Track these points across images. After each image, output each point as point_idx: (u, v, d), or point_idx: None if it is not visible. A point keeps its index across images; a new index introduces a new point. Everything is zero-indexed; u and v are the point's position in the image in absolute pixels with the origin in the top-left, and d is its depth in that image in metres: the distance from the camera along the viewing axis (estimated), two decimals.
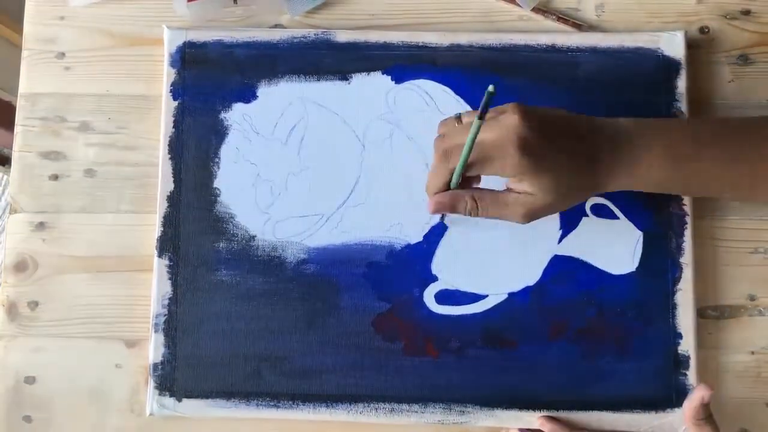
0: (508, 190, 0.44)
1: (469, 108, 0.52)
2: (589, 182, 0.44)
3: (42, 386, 0.51)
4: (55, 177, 0.54)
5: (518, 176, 0.42)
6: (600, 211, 0.51)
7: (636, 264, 0.50)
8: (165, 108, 0.52)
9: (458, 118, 0.45)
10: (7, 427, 0.51)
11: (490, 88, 0.38)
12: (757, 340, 0.51)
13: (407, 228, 0.51)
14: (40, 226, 0.53)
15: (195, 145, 0.52)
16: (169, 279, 0.50)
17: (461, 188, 0.44)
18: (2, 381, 0.51)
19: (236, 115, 0.52)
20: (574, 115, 0.44)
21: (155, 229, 0.52)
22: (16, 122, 0.55)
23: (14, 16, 0.93)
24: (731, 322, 0.51)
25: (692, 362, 0.49)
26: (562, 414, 0.49)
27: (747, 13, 0.54)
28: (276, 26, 0.55)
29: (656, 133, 0.44)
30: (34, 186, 0.54)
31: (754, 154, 0.44)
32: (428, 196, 0.45)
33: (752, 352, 0.50)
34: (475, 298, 0.50)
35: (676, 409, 0.48)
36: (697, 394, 0.45)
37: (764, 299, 0.51)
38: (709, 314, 0.50)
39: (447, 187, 0.44)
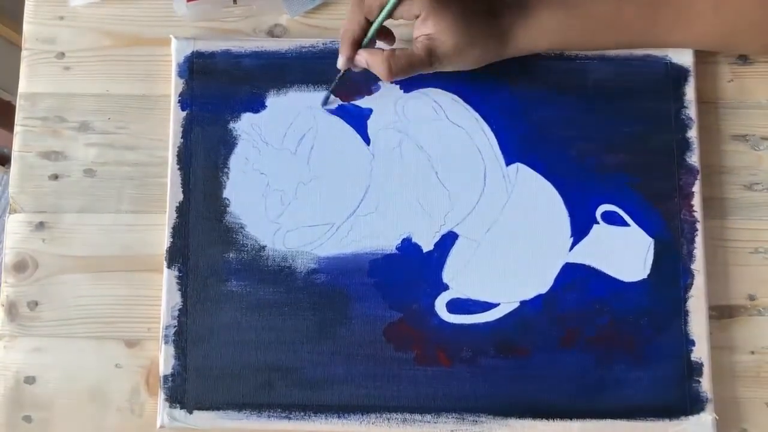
0: (415, 41, 0.47)
1: (477, 116, 0.52)
2: (492, 31, 0.47)
3: (42, 386, 0.51)
4: (55, 177, 0.53)
5: (423, 14, 0.45)
6: (611, 219, 0.51)
7: (647, 271, 0.50)
8: (173, 118, 0.52)
9: None
10: (7, 427, 0.50)
11: None
12: (757, 340, 0.51)
13: (418, 237, 0.51)
14: (40, 226, 0.53)
15: (204, 155, 0.52)
16: (179, 290, 0.50)
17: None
18: (2, 381, 0.51)
19: (245, 125, 0.52)
20: None
21: (155, 229, 0.52)
22: (16, 122, 0.55)
23: (14, 16, 0.93)
24: (731, 322, 0.51)
25: (706, 369, 0.48)
26: (576, 423, 0.48)
27: None
28: (275, 26, 0.55)
29: None
30: (34, 186, 0.54)
31: None
32: (342, 44, 0.48)
33: (752, 352, 0.50)
34: (487, 306, 0.50)
35: (690, 417, 0.48)
36: None
37: (764, 299, 0.51)
38: (710, 314, 0.50)
39: (362, 33, 0.47)
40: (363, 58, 0.47)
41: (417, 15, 0.46)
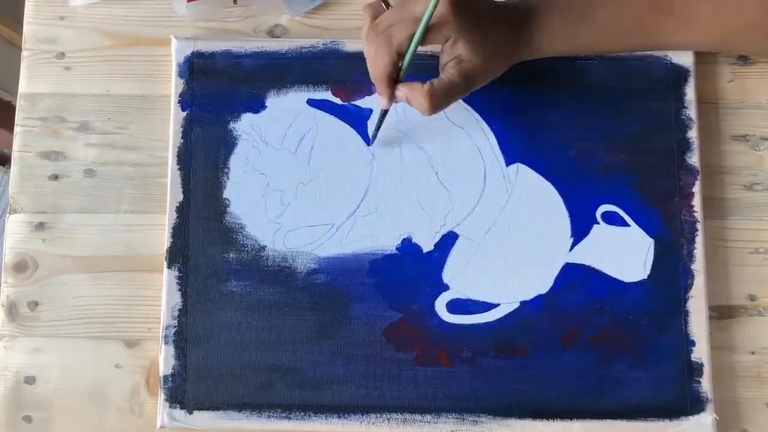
0: (444, 69, 0.46)
1: (477, 116, 0.52)
2: (510, 41, 0.47)
3: (42, 386, 0.51)
4: (55, 177, 0.53)
5: (453, 37, 0.44)
6: (611, 219, 0.51)
7: (648, 271, 0.50)
8: (173, 118, 0.52)
9: (384, 1, 0.46)
10: (7, 427, 0.50)
11: None
12: (757, 340, 0.51)
13: (418, 237, 0.51)
14: (40, 226, 0.53)
15: (204, 155, 0.52)
16: (179, 290, 0.50)
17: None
18: (2, 381, 0.51)
19: (245, 126, 0.52)
20: None
21: (155, 229, 0.52)
22: (15, 122, 0.55)
23: (14, 16, 0.93)
24: (731, 322, 0.51)
25: (706, 369, 0.48)
26: (576, 423, 0.48)
27: None
28: (275, 26, 0.55)
29: None
30: (34, 186, 0.54)
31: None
32: (378, 84, 0.46)
33: (752, 352, 0.50)
34: (487, 306, 0.50)
35: (691, 417, 0.48)
36: None
37: (764, 299, 0.51)
38: (710, 314, 0.50)
39: (394, 68, 0.45)
40: (402, 93, 0.46)
41: (447, 38, 0.45)
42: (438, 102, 0.45)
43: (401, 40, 0.43)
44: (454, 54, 0.45)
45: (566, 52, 0.50)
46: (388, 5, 0.46)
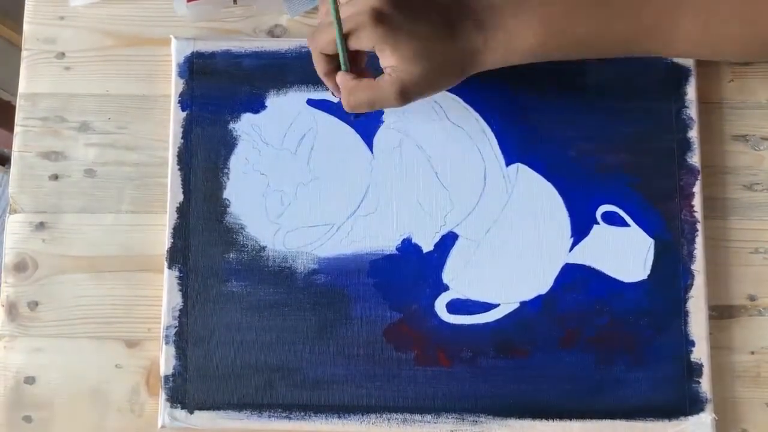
0: (382, 73, 0.44)
1: (477, 116, 0.52)
2: (456, 53, 0.44)
3: (42, 386, 0.51)
4: (55, 177, 0.54)
5: (378, 47, 0.42)
6: (611, 219, 0.51)
7: (647, 272, 0.50)
8: (173, 118, 0.52)
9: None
10: (7, 427, 0.51)
11: None
12: (757, 340, 0.51)
13: (418, 237, 0.51)
14: (40, 226, 0.53)
15: (204, 155, 0.52)
16: (180, 290, 0.50)
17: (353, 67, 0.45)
18: (2, 381, 0.51)
19: (245, 126, 0.52)
20: None
21: (155, 229, 0.52)
22: (16, 122, 0.55)
23: (14, 16, 0.93)
24: (731, 322, 0.51)
25: (705, 369, 0.48)
26: (576, 423, 0.48)
27: None
28: (275, 26, 0.55)
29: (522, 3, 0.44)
30: (34, 186, 0.54)
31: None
32: (321, 77, 0.46)
33: (752, 352, 0.50)
34: (487, 307, 0.50)
35: (690, 417, 0.48)
36: None
37: (764, 299, 0.51)
38: (710, 314, 0.50)
39: (328, 67, 0.45)
40: (339, 80, 0.45)
41: (372, 47, 0.43)
42: (356, 103, 0.44)
43: (323, 44, 0.44)
44: (386, 62, 0.43)
45: (530, 61, 0.45)
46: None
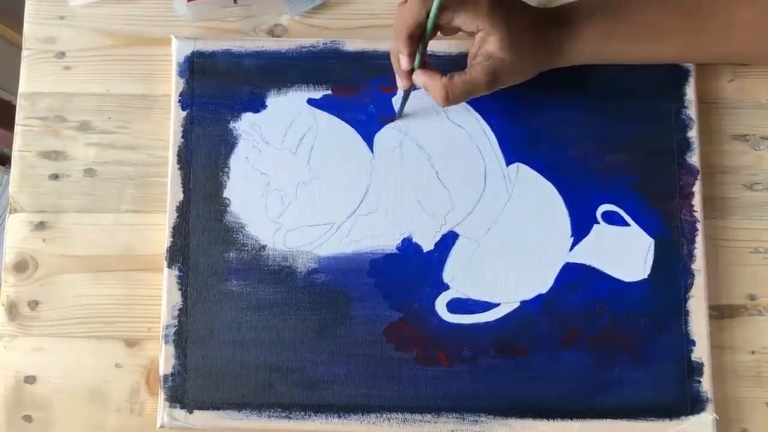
0: (471, 64, 0.45)
1: (477, 116, 0.52)
2: (543, 45, 0.46)
3: (42, 386, 0.51)
4: (55, 177, 0.54)
5: (486, 31, 0.44)
6: (611, 219, 0.51)
7: (648, 271, 0.50)
8: (174, 118, 0.52)
9: None
10: (7, 427, 0.51)
11: None
12: (757, 340, 0.51)
13: (418, 236, 0.51)
14: (40, 225, 0.53)
15: (204, 155, 0.52)
16: (179, 290, 0.50)
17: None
18: (2, 381, 0.51)
19: (245, 125, 0.52)
20: None
21: (155, 229, 0.52)
22: (16, 122, 0.55)
23: (14, 16, 0.93)
24: (731, 322, 0.51)
25: (706, 369, 0.48)
26: (576, 423, 0.48)
27: None
28: (276, 26, 0.55)
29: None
30: (34, 186, 0.54)
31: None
32: (396, 40, 0.45)
33: (752, 352, 0.51)
34: (487, 306, 0.50)
35: (691, 417, 0.48)
36: None
37: (764, 299, 0.51)
38: (710, 314, 0.50)
39: (417, 27, 0.44)
40: (421, 80, 0.46)
41: (477, 30, 0.44)
42: (455, 96, 0.45)
43: (413, 23, 0.44)
44: (484, 50, 0.45)
45: (600, 60, 0.48)
46: None
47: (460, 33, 0.47)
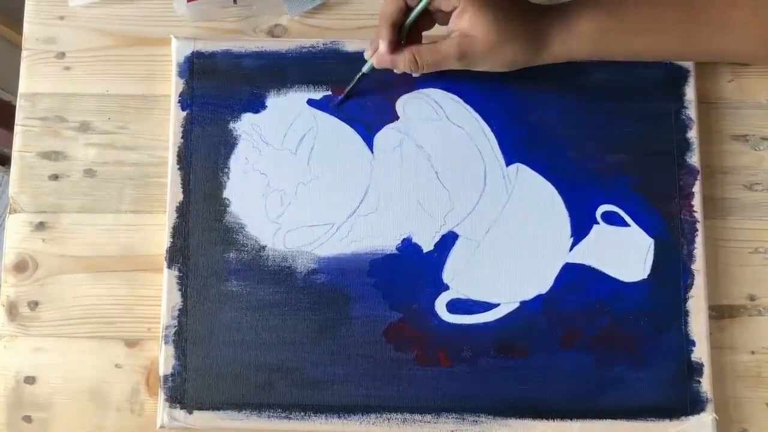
0: (448, 36, 0.45)
1: (477, 116, 0.52)
2: (528, 34, 0.45)
3: (42, 386, 0.51)
4: (55, 177, 0.54)
5: (461, 7, 0.44)
6: (611, 219, 0.51)
7: (648, 271, 0.50)
8: (173, 118, 0.52)
9: None
10: (7, 427, 0.51)
11: None
12: (757, 340, 0.51)
13: (418, 237, 0.51)
14: (40, 226, 0.53)
15: (204, 155, 0.52)
16: (179, 290, 0.50)
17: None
18: (2, 381, 0.51)
19: (245, 126, 0.52)
20: None
21: (155, 229, 0.52)
22: (16, 122, 0.55)
23: (14, 16, 0.93)
24: (731, 322, 0.51)
25: (706, 369, 0.48)
26: (576, 423, 0.48)
27: None
28: (275, 26, 0.55)
29: None
30: (34, 186, 0.54)
31: None
32: (379, 27, 0.46)
33: (752, 352, 0.51)
34: (487, 306, 0.50)
35: (691, 417, 0.48)
36: None
37: (764, 299, 0.51)
38: (710, 314, 0.50)
39: (399, 14, 0.45)
40: (387, 59, 0.47)
41: (455, 7, 0.44)
42: (422, 61, 0.46)
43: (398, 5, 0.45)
44: (458, 25, 0.45)
45: (593, 56, 0.48)
46: None
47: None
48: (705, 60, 0.52)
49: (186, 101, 0.53)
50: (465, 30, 0.44)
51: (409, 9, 0.45)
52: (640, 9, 0.46)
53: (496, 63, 0.46)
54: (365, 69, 0.49)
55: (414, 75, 0.48)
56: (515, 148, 0.52)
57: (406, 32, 0.46)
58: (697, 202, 0.51)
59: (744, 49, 0.48)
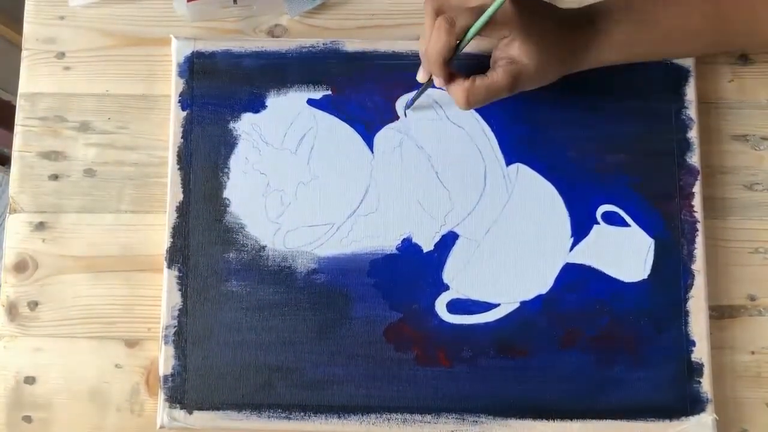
0: (494, 66, 0.45)
1: (477, 116, 0.52)
2: (567, 49, 0.46)
3: (42, 386, 0.51)
4: (55, 177, 0.53)
5: (511, 36, 0.44)
6: (611, 219, 0.51)
7: (648, 271, 0.50)
8: (173, 118, 0.52)
9: None
10: (7, 427, 0.51)
11: None
12: (757, 340, 0.51)
13: (418, 237, 0.51)
14: (40, 226, 0.53)
15: (204, 155, 0.52)
16: (179, 290, 0.50)
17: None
18: (2, 381, 0.51)
19: (245, 125, 0.52)
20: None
21: (155, 229, 0.52)
22: (16, 122, 0.55)
23: (14, 16, 0.93)
24: (731, 322, 0.51)
25: (706, 369, 0.48)
26: (576, 423, 0.48)
27: None
28: (275, 26, 0.55)
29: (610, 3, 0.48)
30: (34, 186, 0.54)
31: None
32: (431, 65, 0.45)
33: (752, 352, 0.51)
34: (487, 307, 0.50)
35: (691, 418, 0.48)
36: None
37: (764, 299, 0.51)
38: (710, 314, 0.50)
39: (450, 52, 0.44)
40: (443, 83, 0.46)
41: (504, 36, 0.44)
42: (474, 99, 0.45)
43: (462, 26, 0.43)
44: (507, 54, 0.45)
45: (627, 60, 0.48)
46: None
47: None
48: (730, 52, 0.53)
49: (186, 101, 0.52)
50: (514, 57, 0.44)
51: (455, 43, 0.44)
52: (669, 20, 0.47)
53: (540, 83, 0.47)
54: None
55: (463, 110, 0.47)
56: (515, 148, 0.52)
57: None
58: (697, 202, 0.51)
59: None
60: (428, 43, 0.44)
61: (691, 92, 0.52)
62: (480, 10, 0.43)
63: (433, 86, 0.47)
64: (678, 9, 0.47)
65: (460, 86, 0.45)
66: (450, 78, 0.45)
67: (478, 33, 0.43)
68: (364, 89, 0.52)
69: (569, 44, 0.46)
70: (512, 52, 0.44)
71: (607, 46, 0.46)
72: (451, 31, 0.43)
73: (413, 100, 0.51)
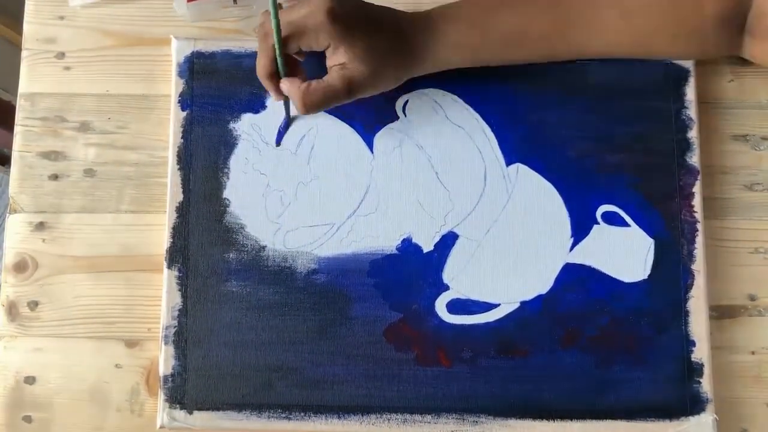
0: (329, 71, 0.46)
1: (477, 116, 0.52)
2: (403, 52, 0.47)
3: (42, 386, 0.51)
4: (55, 177, 0.53)
5: (333, 44, 0.45)
6: (611, 219, 0.51)
7: (648, 272, 0.50)
8: (173, 118, 0.52)
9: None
10: (7, 427, 0.50)
11: None
12: (757, 340, 0.51)
13: (418, 237, 0.51)
14: (40, 226, 0.53)
15: (204, 155, 0.52)
16: (179, 290, 0.50)
17: (290, 71, 0.47)
18: (2, 381, 0.51)
19: (245, 126, 0.52)
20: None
21: (155, 229, 0.52)
22: (16, 122, 0.55)
23: (14, 16, 0.93)
24: (731, 322, 0.51)
25: (706, 369, 0.48)
26: (576, 423, 0.48)
27: None
28: None
29: (451, 6, 0.49)
30: (34, 186, 0.54)
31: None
32: (262, 81, 0.48)
33: (752, 352, 0.51)
34: (487, 307, 0.50)
35: (691, 418, 0.48)
36: None
37: (764, 299, 0.51)
38: (710, 314, 0.50)
39: (272, 66, 0.46)
40: (285, 87, 0.47)
41: (327, 45, 0.45)
42: (311, 102, 0.46)
43: (271, 42, 0.45)
44: (337, 60, 0.45)
45: (469, 63, 0.49)
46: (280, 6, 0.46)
47: None
48: (571, 59, 0.52)
49: (186, 101, 0.52)
50: (344, 62, 0.45)
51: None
52: (509, 25, 0.48)
53: (381, 85, 0.47)
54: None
55: (302, 114, 0.48)
56: (515, 148, 0.52)
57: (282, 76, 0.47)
58: (697, 202, 0.51)
59: (618, 50, 0.50)
60: (257, 64, 0.47)
61: (691, 92, 0.52)
62: (290, 23, 0.44)
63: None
64: (521, 13, 0.48)
65: (296, 90, 0.46)
66: (289, 83, 0.46)
67: (302, 46, 0.45)
68: None
69: (406, 45, 0.47)
70: (340, 58, 0.45)
71: (445, 47, 0.47)
72: (265, 45, 0.45)
73: (285, 125, 0.52)
